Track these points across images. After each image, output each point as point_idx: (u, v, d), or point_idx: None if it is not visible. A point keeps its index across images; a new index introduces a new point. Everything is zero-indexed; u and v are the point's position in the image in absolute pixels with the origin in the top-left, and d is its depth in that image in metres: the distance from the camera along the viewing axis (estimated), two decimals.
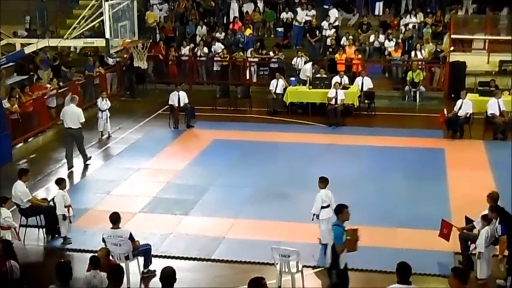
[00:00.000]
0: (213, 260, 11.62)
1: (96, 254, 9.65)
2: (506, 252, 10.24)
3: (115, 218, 10.68)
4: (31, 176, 13.65)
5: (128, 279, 10.27)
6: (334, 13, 25.96)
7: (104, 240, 10.62)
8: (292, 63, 23.38)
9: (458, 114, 18.34)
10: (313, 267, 11.16)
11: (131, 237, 10.61)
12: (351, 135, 18.57)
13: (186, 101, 19.76)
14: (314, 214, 11.67)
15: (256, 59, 24.61)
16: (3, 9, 23.89)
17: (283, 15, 26.93)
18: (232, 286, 10.47)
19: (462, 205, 12.95)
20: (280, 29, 26.89)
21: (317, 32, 25.32)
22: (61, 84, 20.83)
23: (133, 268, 10.75)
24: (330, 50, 24.57)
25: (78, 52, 25.77)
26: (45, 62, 22.75)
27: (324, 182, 11.75)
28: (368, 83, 21.40)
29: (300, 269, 10.31)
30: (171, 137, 19.00)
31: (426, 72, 23.02)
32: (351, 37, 24.49)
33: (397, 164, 16.15)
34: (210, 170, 16.05)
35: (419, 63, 23.06)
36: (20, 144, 17.83)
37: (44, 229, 12.46)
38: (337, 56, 23.67)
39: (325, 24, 25.48)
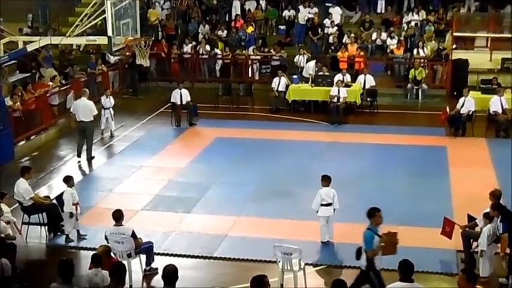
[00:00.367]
0: (215, 258, 11.62)
1: (97, 252, 9.66)
2: (508, 250, 10.24)
3: (118, 216, 10.68)
4: (33, 173, 13.68)
5: (130, 277, 10.26)
6: (337, 11, 25.91)
7: (106, 238, 10.63)
8: (295, 61, 23.39)
9: (461, 112, 18.31)
10: (316, 265, 11.17)
11: (134, 235, 10.60)
12: (353, 133, 18.56)
13: (188, 98, 19.76)
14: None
15: (258, 57, 24.61)
16: (5, 7, 23.94)
17: (286, 13, 26.90)
18: (235, 284, 10.48)
19: (464, 203, 12.95)
20: (282, 27, 26.87)
21: (319, 30, 25.30)
22: (63, 82, 20.87)
23: (136, 266, 10.76)
24: (332, 47, 24.58)
25: (80, 50, 25.79)
26: (48, 60, 22.76)
27: (326, 180, 11.77)
28: (370, 81, 21.38)
29: (302, 266, 10.30)
30: (173, 135, 19.00)
31: (428, 70, 22.99)
32: (353, 35, 24.47)
33: (399, 162, 16.15)
34: (212, 167, 16.05)
35: (422, 61, 23.05)
36: (22, 142, 17.83)
37: (46, 227, 12.47)
38: (339, 53, 23.65)
39: (327, 22, 25.45)
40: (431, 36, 24.13)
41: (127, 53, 23.00)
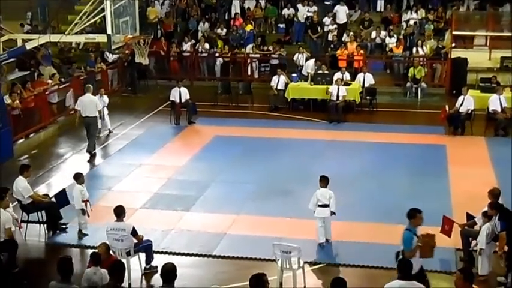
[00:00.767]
0: (215, 256, 11.61)
1: (96, 251, 9.66)
2: (506, 248, 10.24)
3: (119, 212, 10.69)
4: (32, 171, 13.70)
5: (129, 275, 10.27)
6: (343, 9, 25.77)
7: (106, 235, 10.62)
8: (294, 59, 23.38)
9: (460, 110, 18.31)
10: (315, 264, 11.16)
11: (134, 231, 10.60)
12: (352, 132, 18.56)
13: (188, 97, 19.76)
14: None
15: (257, 55, 24.60)
16: (4, 5, 23.93)
17: (285, 11, 26.91)
18: (234, 282, 10.47)
19: (463, 201, 12.95)
20: (281, 25, 26.86)
21: (318, 28, 25.29)
22: (62, 80, 20.86)
23: (135, 265, 10.76)
24: (332, 46, 24.57)
25: (79, 48, 25.78)
26: (47, 58, 22.75)
27: (323, 181, 11.67)
28: (369, 79, 21.38)
29: (301, 265, 10.31)
30: (172, 133, 18.99)
31: (428, 68, 22.99)
32: (352, 33, 24.47)
33: (398, 161, 16.14)
34: (211, 166, 16.05)
35: (421, 59, 23.03)
36: (21, 140, 17.83)
37: (45, 225, 12.48)
38: (338, 52, 23.66)
39: (326, 20, 25.44)
40: (430, 34, 24.11)
41: (126, 51, 23.00)
